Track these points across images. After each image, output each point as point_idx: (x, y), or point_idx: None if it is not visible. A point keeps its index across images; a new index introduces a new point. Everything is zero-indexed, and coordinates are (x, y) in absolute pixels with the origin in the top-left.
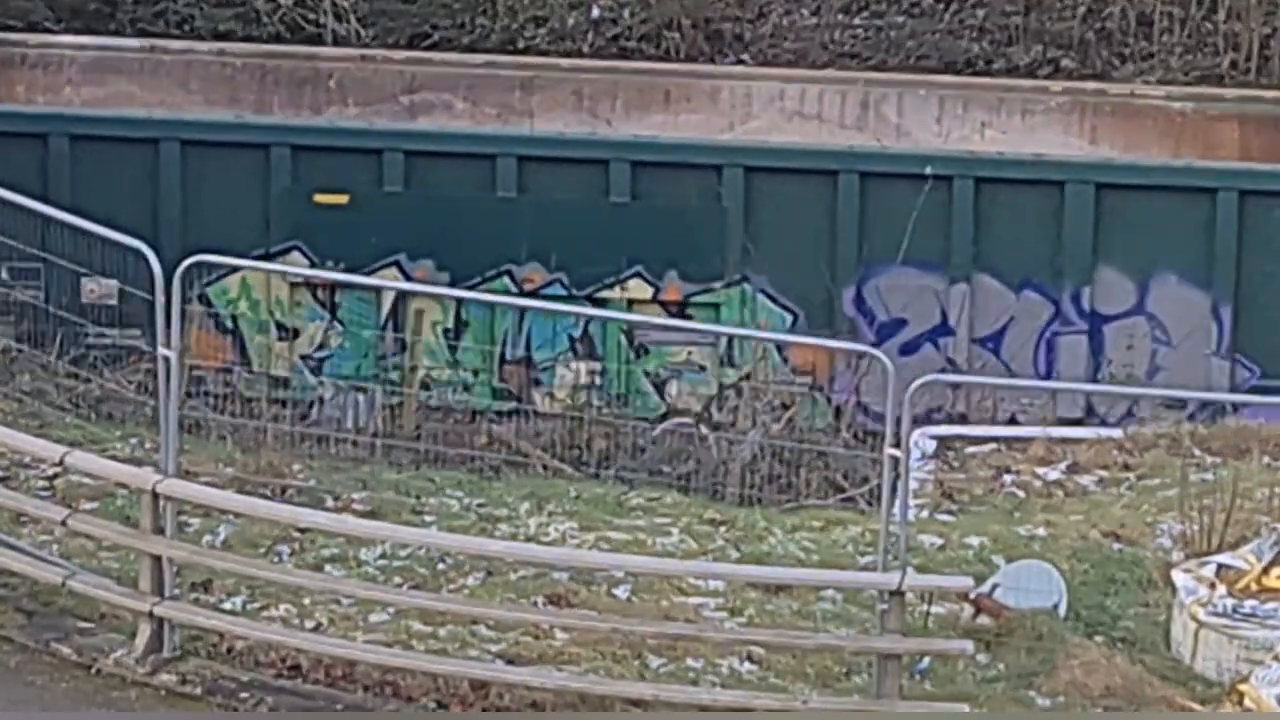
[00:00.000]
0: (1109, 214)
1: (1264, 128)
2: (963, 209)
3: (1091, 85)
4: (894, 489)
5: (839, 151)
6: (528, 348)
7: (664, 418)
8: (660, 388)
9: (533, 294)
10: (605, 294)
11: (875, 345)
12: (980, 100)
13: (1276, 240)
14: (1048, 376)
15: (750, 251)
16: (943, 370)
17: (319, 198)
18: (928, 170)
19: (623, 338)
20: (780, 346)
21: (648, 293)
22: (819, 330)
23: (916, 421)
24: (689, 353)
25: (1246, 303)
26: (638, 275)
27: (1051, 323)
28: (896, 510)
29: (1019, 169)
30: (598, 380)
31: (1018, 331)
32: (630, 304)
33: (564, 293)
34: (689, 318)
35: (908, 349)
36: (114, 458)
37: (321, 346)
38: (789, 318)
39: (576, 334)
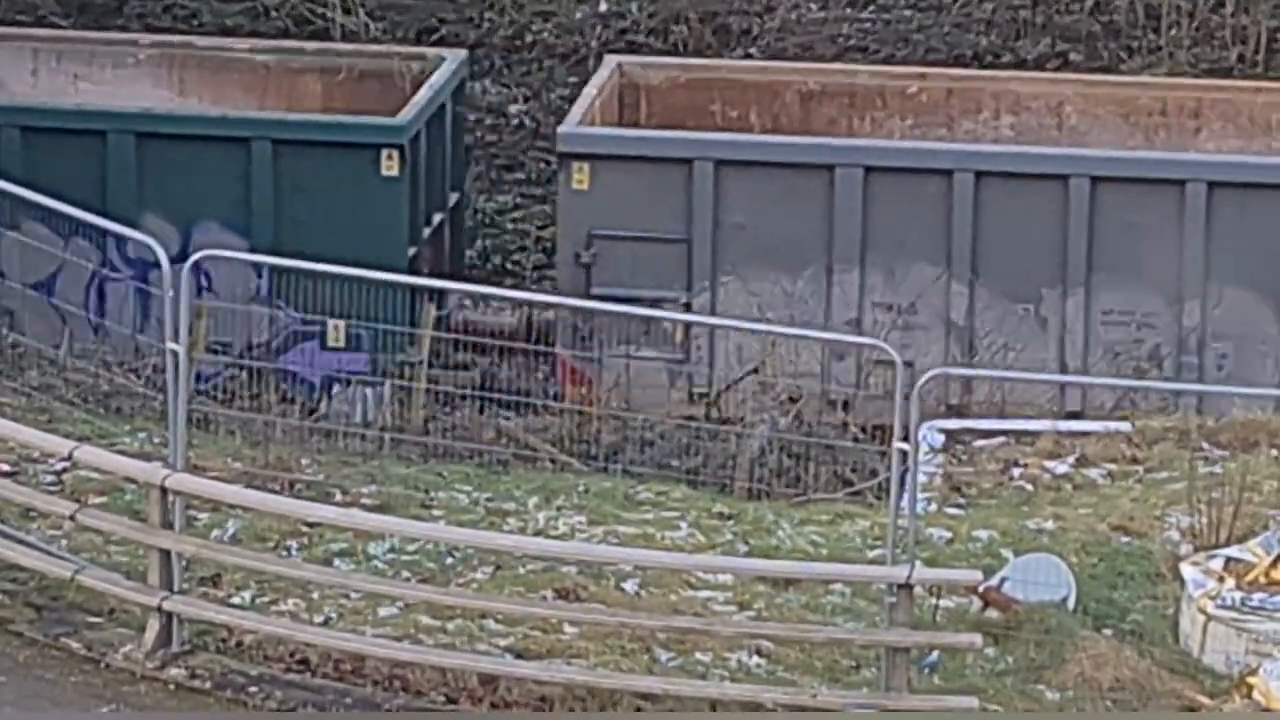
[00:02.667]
0: (152, 163)
1: (345, 80)
2: (9, 160)
3: (179, 38)
4: (902, 482)
5: None
6: None
7: None
8: None
9: None
10: None
11: None
12: (74, 54)
13: (310, 188)
14: (101, 320)
15: None
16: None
17: None
18: None
19: None
20: None
21: None
22: None
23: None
24: None
25: (284, 251)
26: None
27: (100, 269)
28: (905, 504)
29: (60, 118)
30: None
31: (69, 277)
32: None
33: None
34: None
35: None
36: (123, 452)
37: None
38: None
39: None
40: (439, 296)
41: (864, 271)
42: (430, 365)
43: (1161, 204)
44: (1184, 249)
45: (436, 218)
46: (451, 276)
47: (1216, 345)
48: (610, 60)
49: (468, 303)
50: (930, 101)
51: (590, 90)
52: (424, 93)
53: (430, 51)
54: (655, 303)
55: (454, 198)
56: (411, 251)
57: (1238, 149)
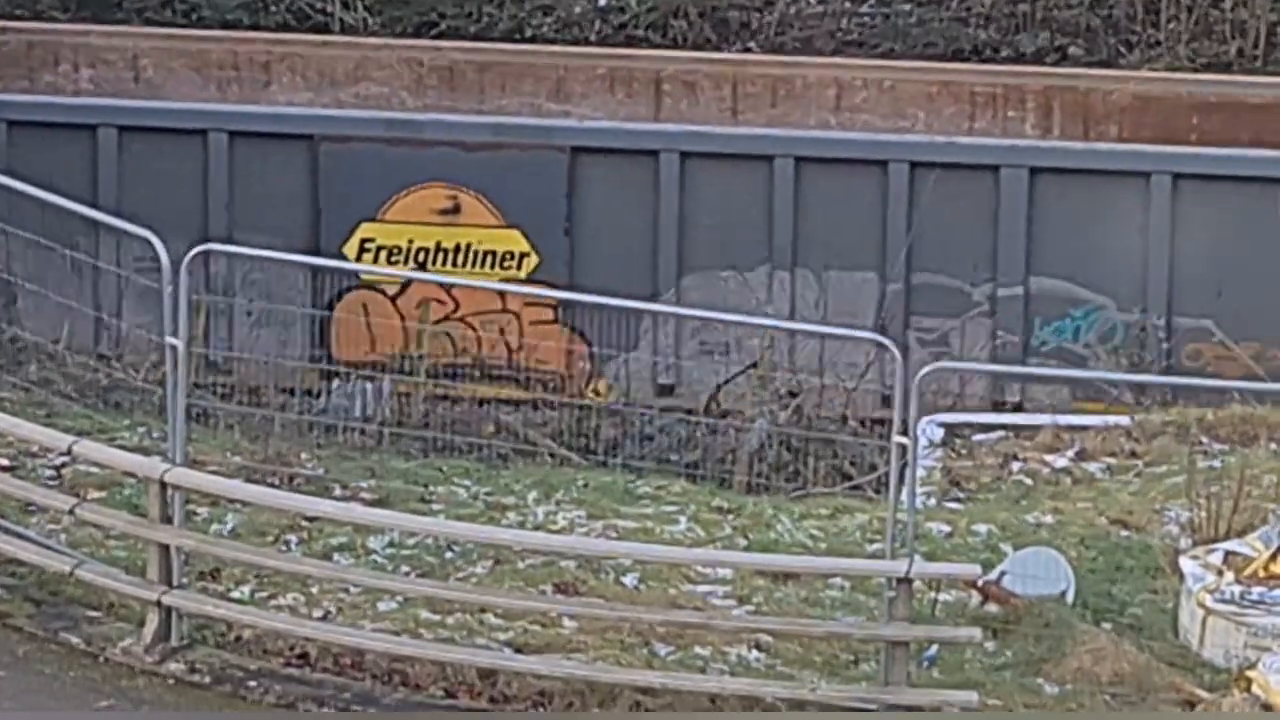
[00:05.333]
0: None
1: None
2: None
3: None
4: (902, 477)
5: None
6: None
7: None
8: None
9: None
10: None
11: None
12: None
13: None
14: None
15: None
16: None
17: None
18: None
19: None
20: None
21: None
22: None
23: None
24: None
25: None
26: None
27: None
28: (904, 498)
29: None
30: None
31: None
32: None
33: None
34: None
35: None
36: (122, 447)
37: None
38: None
39: None
40: None
41: None
42: None
43: (187, 151)
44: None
45: None
46: None
47: None
48: None
49: None
50: (8, 53)
51: None
52: None
53: None
54: None
55: None
56: None
57: (307, 101)
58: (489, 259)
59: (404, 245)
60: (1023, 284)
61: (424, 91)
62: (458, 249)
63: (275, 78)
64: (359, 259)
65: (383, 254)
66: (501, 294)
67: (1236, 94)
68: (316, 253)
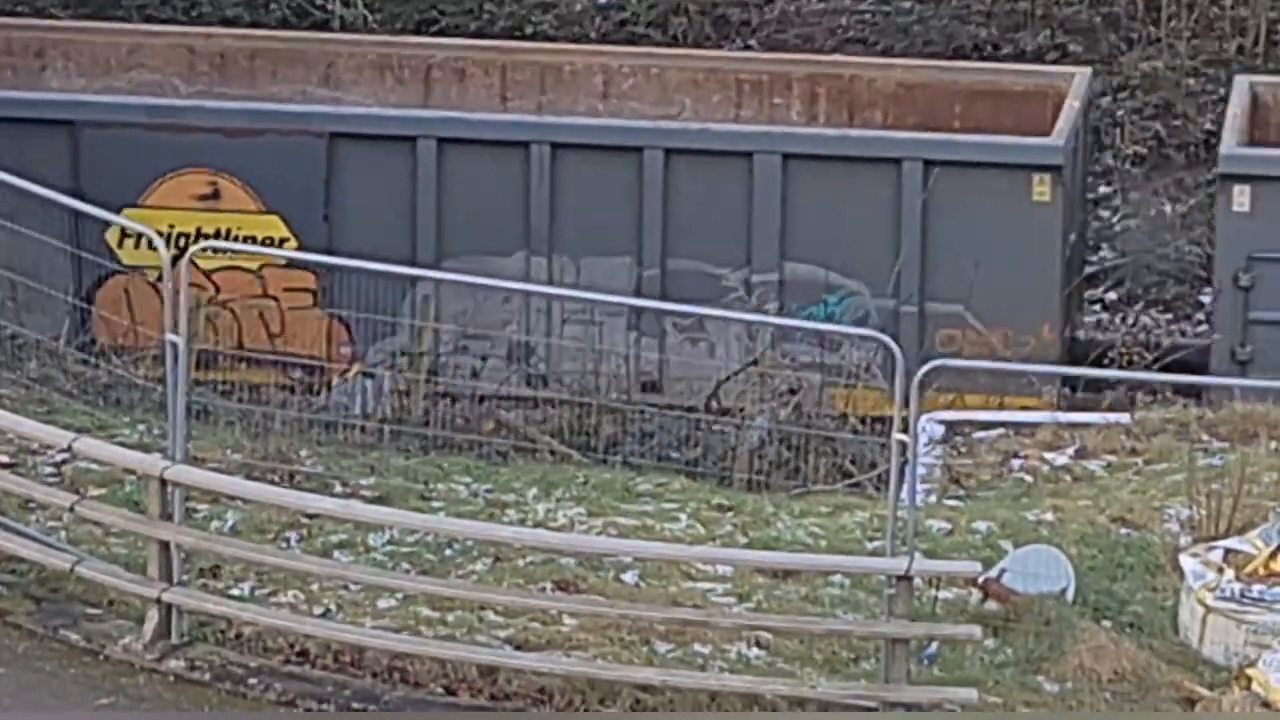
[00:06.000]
0: None
1: None
2: None
3: None
4: (902, 474)
5: None
6: None
7: None
8: None
9: None
10: None
11: None
12: None
13: None
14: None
15: None
16: None
17: None
18: None
19: None
20: None
21: None
22: None
23: None
24: None
25: None
26: None
27: None
28: (904, 495)
29: None
30: None
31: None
32: None
33: None
34: None
35: None
36: (122, 444)
37: None
38: None
39: None
40: None
41: None
42: None
43: None
44: None
45: None
46: None
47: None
48: None
49: None
50: None
51: None
52: None
53: None
54: None
55: None
56: None
57: (80, 88)
58: (249, 244)
59: (165, 231)
60: (777, 270)
61: (196, 78)
62: (218, 234)
63: (49, 64)
64: (120, 246)
65: (144, 240)
66: (262, 279)
67: (999, 82)
68: (77, 240)
